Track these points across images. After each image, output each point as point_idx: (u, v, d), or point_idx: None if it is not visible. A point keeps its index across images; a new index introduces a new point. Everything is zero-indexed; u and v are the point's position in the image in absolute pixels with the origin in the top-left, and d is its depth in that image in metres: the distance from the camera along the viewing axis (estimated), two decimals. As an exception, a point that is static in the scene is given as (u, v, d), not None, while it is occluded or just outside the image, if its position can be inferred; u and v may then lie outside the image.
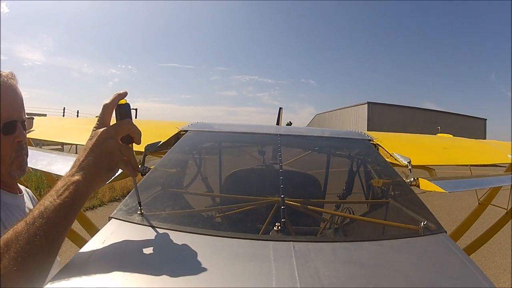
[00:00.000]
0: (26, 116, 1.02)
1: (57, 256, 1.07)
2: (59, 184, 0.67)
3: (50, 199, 0.64)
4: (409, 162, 1.43)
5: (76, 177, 0.67)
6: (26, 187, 1.19)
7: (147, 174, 1.23)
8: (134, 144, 0.78)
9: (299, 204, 1.22)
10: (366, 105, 34.16)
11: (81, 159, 0.70)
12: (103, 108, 0.74)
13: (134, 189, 0.90)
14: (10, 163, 0.96)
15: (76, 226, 2.45)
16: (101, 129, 0.71)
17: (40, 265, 0.60)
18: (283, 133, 1.85)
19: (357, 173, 1.88)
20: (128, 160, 0.73)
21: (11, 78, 0.93)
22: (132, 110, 0.82)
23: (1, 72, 0.93)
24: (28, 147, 1.04)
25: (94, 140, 0.70)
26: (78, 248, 0.72)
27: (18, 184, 1.09)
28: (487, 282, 0.69)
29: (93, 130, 0.72)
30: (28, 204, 1.09)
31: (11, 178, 0.99)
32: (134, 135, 0.74)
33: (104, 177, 0.70)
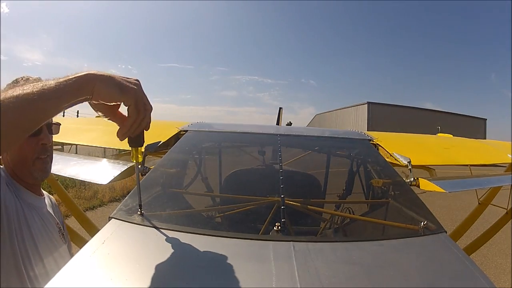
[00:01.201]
0: (54, 121, 1.03)
1: (68, 251, 1.08)
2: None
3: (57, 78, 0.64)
4: (409, 162, 1.43)
5: (92, 72, 0.66)
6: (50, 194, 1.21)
7: (147, 174, 1.23)
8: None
9: (299, 204, 1.22)
10: (366, 105, 34.09)
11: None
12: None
13: (135, 188, 0.90)
14: (31, 164, 0.98)
15: (76, 226, 2.45)
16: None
17: (9, 118, 0.56)
18: (283, 133, 1.85)
19: (357, 173, 1.87)
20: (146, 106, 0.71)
21: None
22: None
23: (29, 77, 0.99)
24: None
25: (128, 77, 0.71)
26: (78, 248, 0.72)
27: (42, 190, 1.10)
28: (487, 282, 0.68)
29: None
30: (49, 208, 1.09)
31: (33, 179, 1.02)
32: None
33: (112, 89, 0.67)
